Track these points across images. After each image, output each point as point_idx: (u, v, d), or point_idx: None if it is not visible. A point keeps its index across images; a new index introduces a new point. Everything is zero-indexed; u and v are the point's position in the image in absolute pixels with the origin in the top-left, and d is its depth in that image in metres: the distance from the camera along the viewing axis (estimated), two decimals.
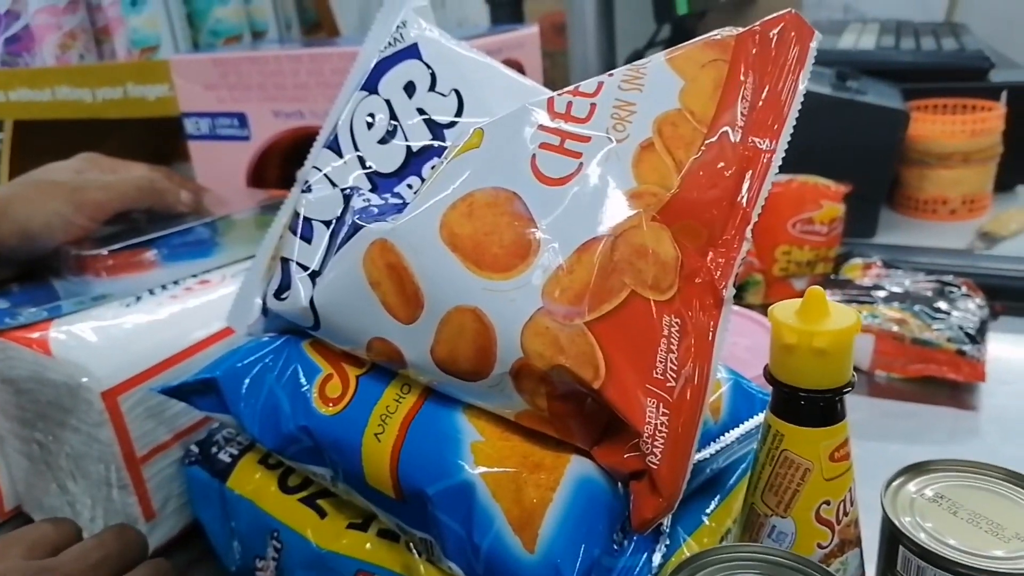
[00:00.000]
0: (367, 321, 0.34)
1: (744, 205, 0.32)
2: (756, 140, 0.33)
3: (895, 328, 0.63)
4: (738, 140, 0.33)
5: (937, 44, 1.07)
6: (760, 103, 0.33)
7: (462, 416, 0.33)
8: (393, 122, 0.40)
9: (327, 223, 0.38)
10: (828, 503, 0.31)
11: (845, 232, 0.77)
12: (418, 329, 0.32)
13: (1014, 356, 0.65)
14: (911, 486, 0.33)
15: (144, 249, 0.54)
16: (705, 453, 0.35)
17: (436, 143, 0.39)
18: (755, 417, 0.37)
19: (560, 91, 0.35)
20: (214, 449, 0.42)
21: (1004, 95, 0.92)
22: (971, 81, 0.96)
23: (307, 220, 0.38)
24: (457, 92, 0.40)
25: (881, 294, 0.67)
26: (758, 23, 0.35)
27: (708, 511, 0.37)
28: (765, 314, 0.54)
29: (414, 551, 0.35)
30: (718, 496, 0.37)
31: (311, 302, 0.36)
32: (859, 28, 1.21)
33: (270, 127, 0.65)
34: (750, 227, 0.32)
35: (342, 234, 0.36)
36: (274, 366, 0.38)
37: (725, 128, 0.33)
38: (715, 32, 0.35)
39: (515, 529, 0.30)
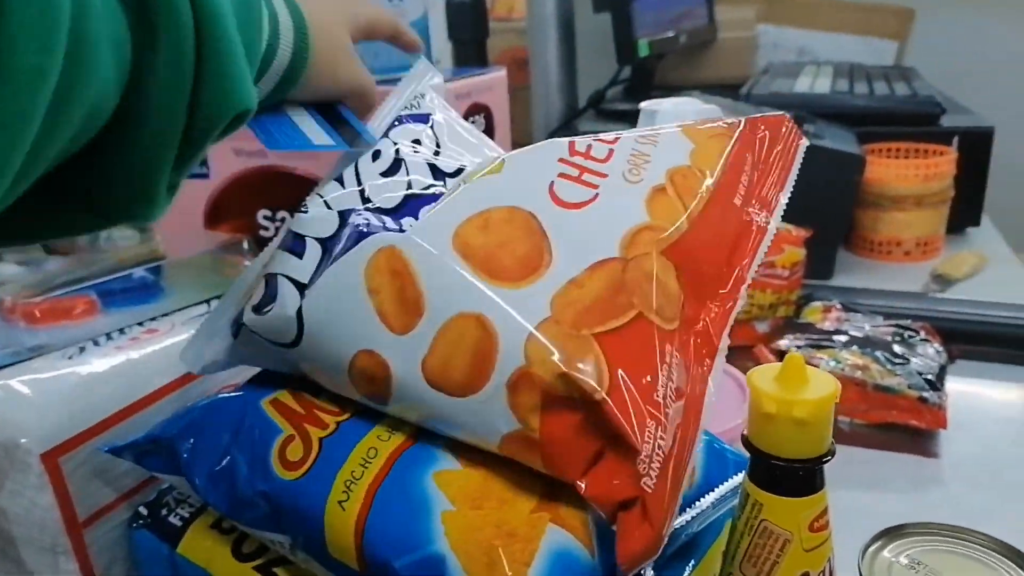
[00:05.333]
0: (357, 331, 0.33)
1: (742, 263, 0.34)
2: (754, 211, 0.35)
3: (858, 374, 0.63)
4: (740, 205, 0.35)
5: (890, 88, 1.10)
6: (757, 179, 0.36)
7: (432, 483, 0.32)
8: (398, 158, 0.40)
9: (320, 240, 0.36)
10: (807, 574, 0.30)
11: (804, 274, 0.78)
12: (412, 339, 0.32)
13: (971, 402, 0.66)
14: (887, 552, 0.33)
15: (83, 295, 0.51)
16: (682, 519, 0.34)
17: (437, 185, 0.38)
18: (729, 480, 0.37)
19: (581, 136, 0.37)
20: (164, 511, 0.40)
21: (956, 140, 0.95)
22: (923, 126, 0.99)
23: (299, 236, 0.37)
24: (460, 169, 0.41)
25: (842, 339, 0.68)
26: (761, 117, 0.38)
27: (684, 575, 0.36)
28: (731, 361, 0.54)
29: None
30: (692, 561, 0.36)
31: (298, 311, 0.35)
32: (814, 71, 1.24)
33: (230, 165, 0.63)
34: (745, 287, 0.34)
35: (341, 244, 0.35)
36: (230, 426, 0.36)
37: (729, 190, 0.35)
38: (723, 120, 0.38)
39: None
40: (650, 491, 0.28)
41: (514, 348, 0.30)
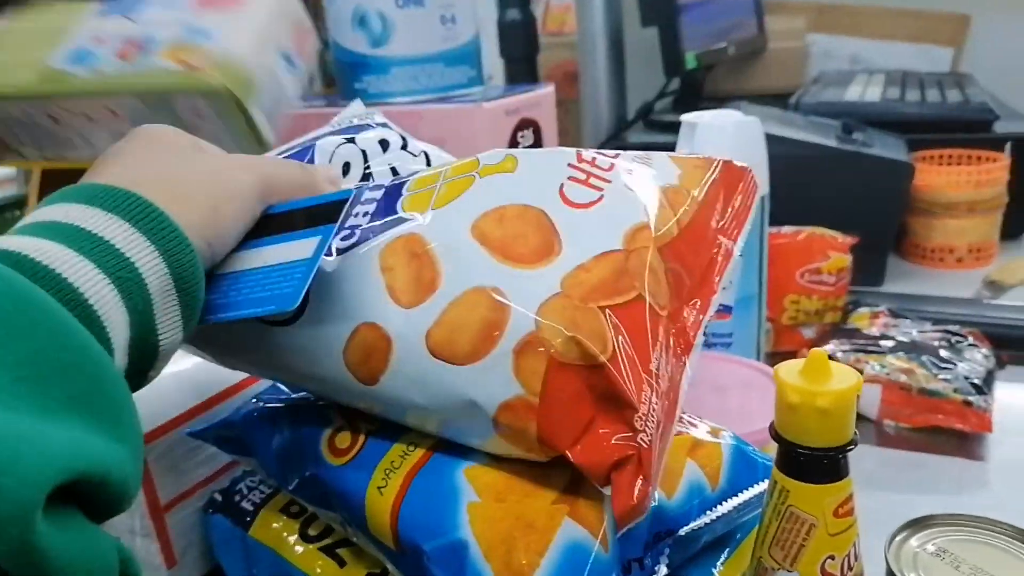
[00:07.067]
0: (363, 305, 0.34)
1: (714, 277, 0.37)
2: (723, 238, 0.38)
3: (902, 378, 0.64)
4: (714, 227, 0.38)
5: (942, 95, 1.09)
6: (727, 214, 0.39)
7: (462, 477, 0.34)
8: (367, 170, 0.43)
9: None
10: (833, 557, 0.32)
11: (853, 280, 0.78)
12: (420, 312, 0.33)
13: (1022, 406, 0.66)
14: (914, 540, 0.34)
15: None
16: (700, 522, 0.36)
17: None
18: (757, 486, 0.38)
19: (585, 149, 0.39)
20: (236, 498, 0.43)
21: (1008, 147, 0.94)
22: (976, 132, 0.98)
23: None
24: (426, 153, 0.44)
25: (888, 344, 0.68)
26: (731, 163, 0.41)
27: (718, 563, 0.38)
28: (773, 363, 0.55)
29: None
30: (727, 550, 0.38)
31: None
32: (866, 79, 1.24)
33: None
34: (714, 300, 0.37)
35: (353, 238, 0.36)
36: (291, 413, 0.40)
37: (708, 211, 0.38)
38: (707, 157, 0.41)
39: None
40: (646, 447, 0.31)
41: (525, 316, 0.32)
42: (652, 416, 0.31)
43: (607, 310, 0.32)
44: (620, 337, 0.32)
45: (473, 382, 0.33)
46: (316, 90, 1.03)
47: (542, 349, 0.31)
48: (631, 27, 1.21)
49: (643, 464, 0.30)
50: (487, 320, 0.32)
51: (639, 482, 0.30)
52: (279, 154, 0.44)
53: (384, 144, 0.44)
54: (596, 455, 0.31)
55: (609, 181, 0.37)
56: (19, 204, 1.43)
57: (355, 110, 0.48)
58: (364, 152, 0.43)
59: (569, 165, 0.37)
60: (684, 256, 0.36)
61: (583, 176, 0.37)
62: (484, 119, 0.65)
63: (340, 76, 0.72)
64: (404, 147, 0.44)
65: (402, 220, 0.36)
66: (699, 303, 0.36)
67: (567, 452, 0.31)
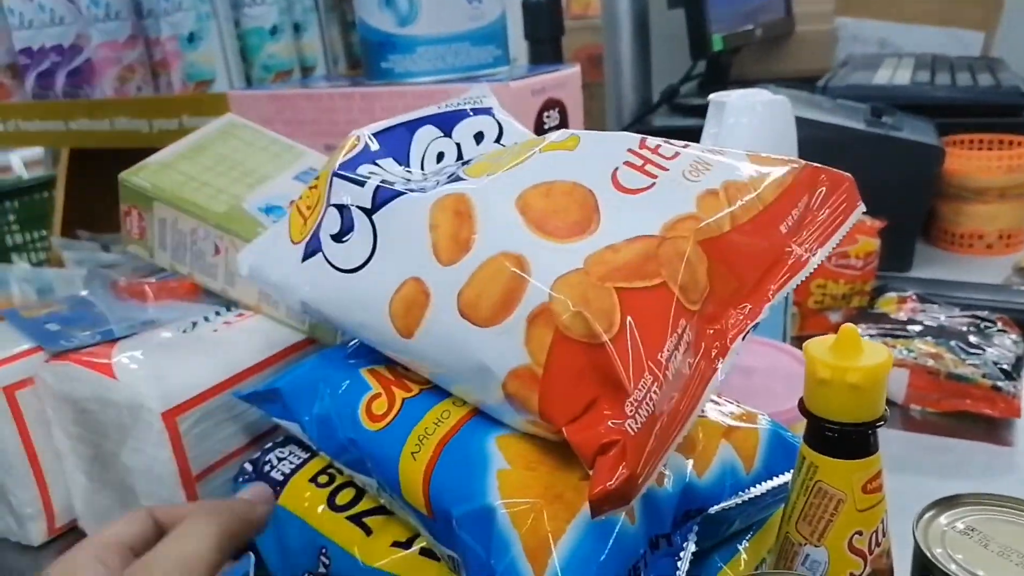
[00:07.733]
0: (412, 258, 0.36)
1: (771, 286, 0.35)
2: (796, 246, 0.36)
3: (930, 363, 0.63)
4: (784, 233, 0.36)
5: (973, 79, 1.07)
6: (807, 222, 0.36)
7: (493, 444, 0.35)
8: (460, 163, 0.43)
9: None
10: (861, 533, 0.32)
11: (881, 266, 0.78)
12: (455, 271, 0.35)
13: None
14: (943, 518, 0.34)
15: (185, 279, 0.57)
16: (732, 502, 0.36)
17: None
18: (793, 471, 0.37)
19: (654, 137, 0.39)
20: (266, 468, 0.44)
21: None
22: (1007, 117, 0.96)
23: (357, 175, 0.40)
24: (517, 143, 0.44)
25: (916, 328, 0.68)
26: (825, 169, 0.38)
27: (744, 540, 0.38)
28: (799, 346, 0.55)
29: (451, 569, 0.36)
30: (754, 527, 0.38)
31: (374, 235, 0.39)
32: (895, 63, 1.22)
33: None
34: (766, 308, 0.34)
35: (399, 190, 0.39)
36: (331, 380, 0.41)
37: (778, 216, 0.36)
38: (788, 157, 0.39)
39: (528, 557, 0.31)
40: (632, 434, 0.29)
41: (542, 286, 0.33)
42: (647, 405, 0.30)
43: (623, 292, 0.32)
44: (630, 320, 0.31)
45: (488, 346, 0.33)
46: (341, 70, 1.03)
47: (551, 321, 0.32)
48: (657, 9, 1.20)
49: (627, 453, 0.29)
50: (507, 286, 0.33)
51: (621, 470, 0.29)
52: (381, 130, 0.45)
53: (479, 137, 0.45)
54: (588, 434, 0.30)
55: (667, 169, 0.36)
56: (48, 184, 1.45)
57: (477, 92, 0.49)
58: (458, 145, 0.45)
59: (629, 150, 0.37)
60: (735, 256, 0.34)
61: (640, 163, 0.37)
62: (510, 98, 0.65)
63: (366, 55, 0.72)
64: (498, 139, 0.46)
65: (459, 179, 0.38)
66: (749, 308, 0.34)
67: (564, 429, 0.31)
